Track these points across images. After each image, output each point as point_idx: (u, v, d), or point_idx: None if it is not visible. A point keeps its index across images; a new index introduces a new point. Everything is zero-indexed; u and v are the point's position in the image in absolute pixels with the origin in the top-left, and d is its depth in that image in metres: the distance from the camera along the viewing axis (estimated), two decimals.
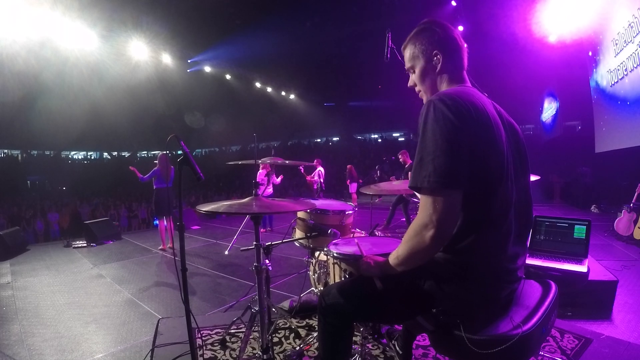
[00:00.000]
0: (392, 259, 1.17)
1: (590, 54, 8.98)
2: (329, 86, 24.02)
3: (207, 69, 17.90)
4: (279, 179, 7.04)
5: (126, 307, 3.29)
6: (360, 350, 1.94)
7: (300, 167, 8.43)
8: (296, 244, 2.49)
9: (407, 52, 1.32)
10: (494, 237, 1.10)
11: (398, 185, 2.53)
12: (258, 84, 21.20)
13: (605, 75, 8.01)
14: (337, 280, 1.86)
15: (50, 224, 11.16)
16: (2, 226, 9.59)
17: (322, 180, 8.92)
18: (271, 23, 14.81)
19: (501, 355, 1.02)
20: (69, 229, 10.29)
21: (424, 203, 1.03)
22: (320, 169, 8.97)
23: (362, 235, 2.56)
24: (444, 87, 1.25)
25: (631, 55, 6.49)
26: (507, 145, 1.12)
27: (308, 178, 9.04)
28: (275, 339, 2.36)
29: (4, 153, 24.80)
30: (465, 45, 1.28)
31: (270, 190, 6.70)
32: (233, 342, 2.35)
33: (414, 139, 23.09)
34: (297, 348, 2.20)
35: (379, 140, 27.73)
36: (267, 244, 2.09)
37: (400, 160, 6.84)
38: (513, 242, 1.14)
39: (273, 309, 2.39)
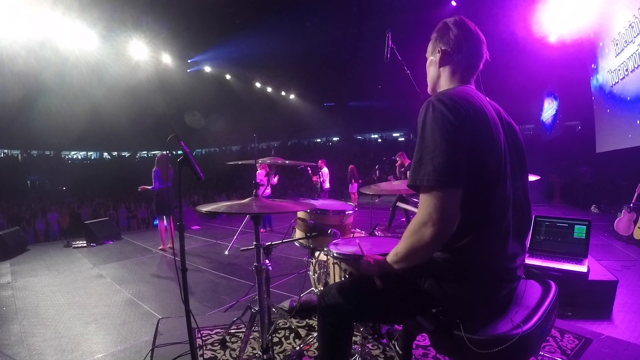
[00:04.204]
0: (391, 256, 1.17)
1: (590, 54, 8.98)
2: (329, 86, 24.01)
3: (207, 69, 17.90)
4: (275, 179, 7.04)
5: (126, 307, 3.29)
6: (360, 350, 1.94)
7: (308, 169, 8.42)
8: (296, 244, 2.49)
9: (428, 47, 1.39)
10: (493, 236, 1.10)
11: (398, 185, 2.53)
12: (258, 84, 21.20)
13: (605, 75, 8.01)
14: (337, 280, 1.86)
15: (50, 224, 11.16)
16: (2, 226, 9.60)
17: (322, 181, 8.92)
18: (271, 23, 14.79)
19: (501, 355, 1.02)
20: (69, 229, 10.30)
21: (423, 201, 1.04)
22: (325, 169, 8.97)
23: (362, 235, 2.56)
24: (443, 81, 1.29)
25: (632, 55, 6.49)
26: (505, 145, 1.13)
27: (315, 179, 9.03)
28: (275, 339, 2.36)
29: (4, 153, 24.78)
30: (486, 53, 1.28)
31: (268, 191, 6.69)
32: (233, 342, 2.35)
33: (413, 139, 23.05)
34: (297, 348, 2.20)
35: (379, 140, 27.74)
36: (267, 244, 2.08)
37: (398, 161, 6.86)
38: (512, 241, 1.14)
39: (273, 309, 2.39)
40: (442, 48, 1.27)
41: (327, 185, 9.03)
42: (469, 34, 1.25)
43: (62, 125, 18.19)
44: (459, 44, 1.25)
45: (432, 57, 1.33)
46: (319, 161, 8.97)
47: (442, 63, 1.28)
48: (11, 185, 17.69)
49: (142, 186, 5.56)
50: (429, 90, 1.37)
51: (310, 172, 8.75)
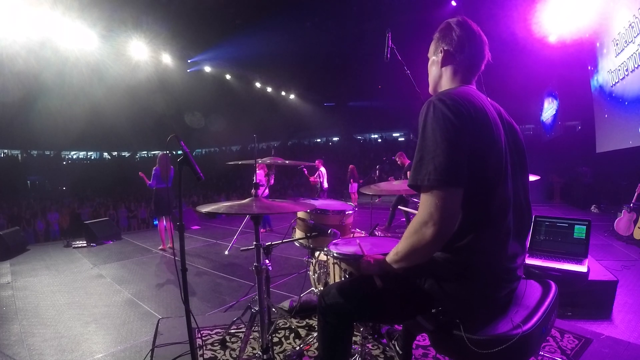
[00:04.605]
0: (392, 255, 1.17)
1: (590, 54, 8.98)
2: (329, 86, 24.00)
3: (207, 69, 17.90)
4: (271, 180, 7.02)
5: (126, 307, 3.30)
6: (360, 350, 1.94)
7: (304, 169, 8.44)
8: (296, 244, 2.49)
9: (430, 47, 1.38)
10: (493, 236, 1.10)
11: (398, 185, 2.53)
12: (258, 84, 21.20)
13: (605, 75, 8.01)
14: (337, 280, 1.86)
15: (50, 224, 11.16)
16: (2, 226, 9.60)
17: (321, 181, 8.93)
18: (271, 23, 14.80)
19: (501, 355, 1.02)
20: (69, 229, 10.29)
21: (424, 201, 1.04)
22: (322, 169, 8.99)
23: (362, 235, 2.56)
24: (444, 81, 1.29)
25: (632, 55, 6.49)
26: (505, 145, 1.14)
27: (312, 179, 9.04)
28: (275, 339, 2.36)
29: (4, 153, 24.79)
30: (488, 54, 1.29)
31: (267, 191, 6.69)
32: (233, 342, 2.35)
33: (414, 139, 23.10)
34: (297, 348, 2.20)
35: (379, 140, 27.74)
36: (267, 244, 2.08)
37: (398, 162, 6.87)
38: (512, 241, 1.15)
39: (273, 309, 2.39)
40: (445, 48, 1.27)
41: (325, 184, 9.04)
42: (472, 35, 1.25)
43: (62, 125, 18.20)
44: (461, 44, 1.24)
45: (434, 57, 1.32)
46: (316, 161, 8.99)
47: (444, 63, 1.28)
48: (11, 185, 17.69)
49: (143, 174, 5.66)
50: (430, 90, 1.37)
51: (306, 172, 8.76)
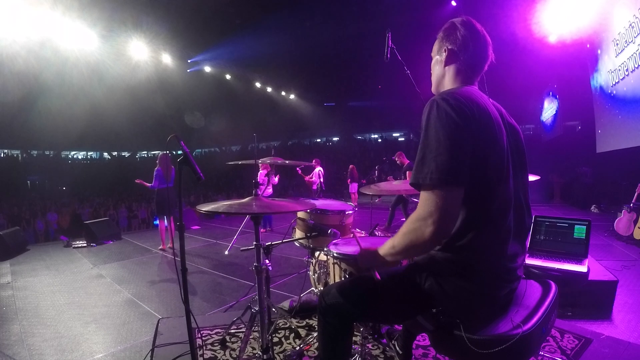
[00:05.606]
0: (388, 247, 1.17)
1: (590, 54, 8.98)
2: (329, 86, 24.03)
3: (207, 69, 17.91)
4: (276, 179, 7.04)
5: (126, 307, 3.29)
6: (360, 350, 1.94)
7: (298, 169, 8.45)
8: (296, 244, 2.49)
9: (434, 46, 1.38)
10: (494, 236, 1.10)
11: (398, 185, 2.53)
12: (258, 84, 21.22)
13: (606, 75, 8.00)
14: (337, 280, 1.86)
15: (50, 224, 11.17)
16: (2, 226, 9.61)
17: (322, 180, 8.93)
18: (271, 23, 14.83)
19: (501, 355, 1.02)
20: (69, 229, 10.30)
21: (425, 199, 1.04)
22: (320, 168, 8.98)
23: (362, 235, 2.56)
24: (447, 80, 1.29)
25: (632, 55, 6.48)
26: (507, 146, 1.14)
27: (306, 179, 9.05)
28: (275, 339, 2.36)
29: (4, 153, 24.81)
30: (491, 54, 1.29)
31: (270, 190, 6.70)
32: (233, 342, 2.35)
33: (413, 139, 23.14)
34: (297, 348, 2.20)
35: (379, 140, 27.75)
36: (267, 244, 2.08)
37: (397, 162, 6.88)
38: (512, 241, 1.15)
39: (273, 309, 2.39)
40: (449, 47, 1.26)
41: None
42: (476, 35, 1.25)
43: (62, 125, 18.20)
44: (465, 44, 1.24)
45: (438, 57, 1.32)
46: (313, 160, 8.99)
47: (447, 62, 1.28)
48: (11, 185, 17.70)
49: (140, 180, 5.63)
50: (433, 89, 1.37)
51: (299, 171, 8.76)
